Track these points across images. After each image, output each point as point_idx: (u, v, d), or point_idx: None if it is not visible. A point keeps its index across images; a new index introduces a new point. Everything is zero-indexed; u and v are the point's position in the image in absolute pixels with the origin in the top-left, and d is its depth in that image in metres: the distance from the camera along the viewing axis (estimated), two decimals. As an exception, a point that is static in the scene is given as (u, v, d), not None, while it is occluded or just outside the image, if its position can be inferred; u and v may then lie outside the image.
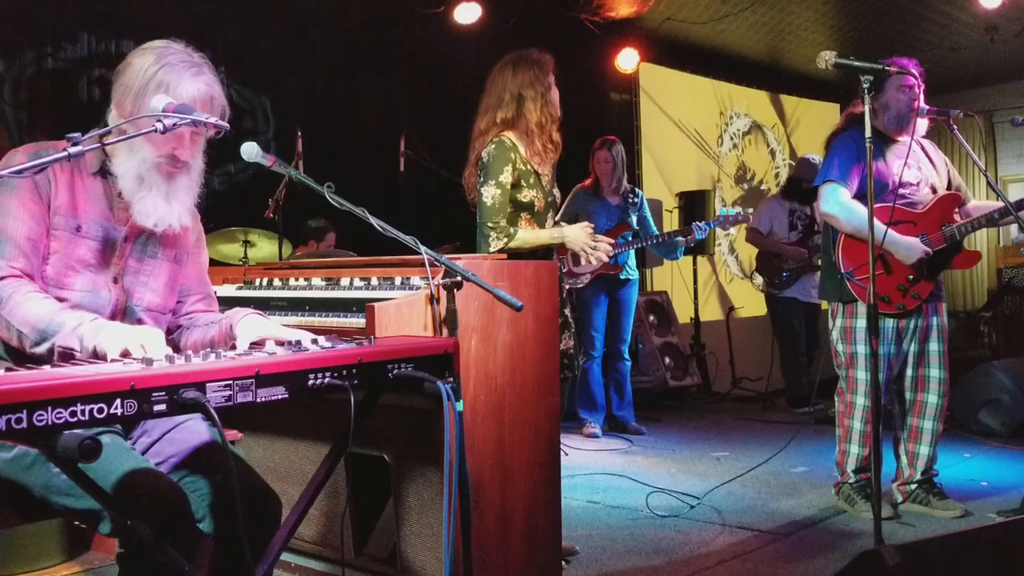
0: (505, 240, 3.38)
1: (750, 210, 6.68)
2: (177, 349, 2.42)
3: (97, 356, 1.96)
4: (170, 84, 2.16)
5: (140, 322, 2.31)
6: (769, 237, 6.95)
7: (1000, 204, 3.95)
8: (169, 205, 2.22)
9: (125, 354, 1.92)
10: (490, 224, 3.40)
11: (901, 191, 3.92)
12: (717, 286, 9.27)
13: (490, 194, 3.41)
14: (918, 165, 4.08)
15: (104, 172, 2.22)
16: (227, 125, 2.08)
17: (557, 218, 3.79)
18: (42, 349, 2.03)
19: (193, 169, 2.27)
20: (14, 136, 4.79)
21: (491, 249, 3.38)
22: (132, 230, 2.27)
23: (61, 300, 2.16)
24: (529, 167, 3.47)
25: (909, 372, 4.12)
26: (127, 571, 2.05)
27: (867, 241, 3.56)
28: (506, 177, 3.41)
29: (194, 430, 2.27)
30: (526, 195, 3.45)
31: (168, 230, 2.25)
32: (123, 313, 2.28)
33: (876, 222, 3.29)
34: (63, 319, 2.03)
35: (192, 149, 2.24)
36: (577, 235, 3.50)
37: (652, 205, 7.30)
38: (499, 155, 3.42)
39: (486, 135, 3.53)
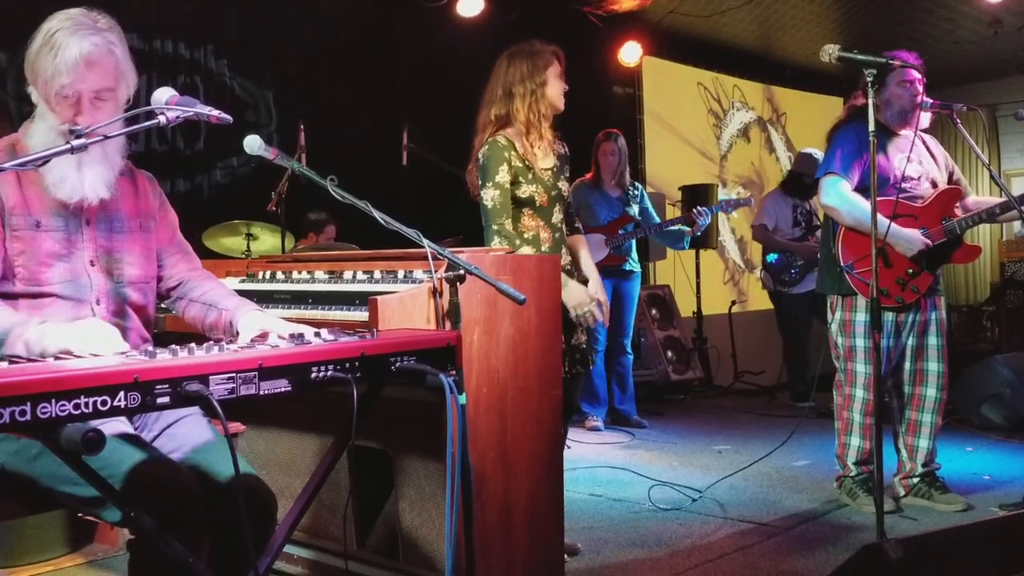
0: (506, 248, 3.38)
1: (750, 194, 6.67)
2: (178, 318, 2.45)
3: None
4: (60, 45, 2.13)
5: (128, 299, 2.31)
6: (775, 232, 6.93)
7: (1000, 199, 3.96)
8: (80, 175, 2.18)
9: (67, 353, 1.91)
10: (495, 227, 3.39)
11: (902, 185, 3.92)
12: (723, 279, 9.25)
13: (489, 196, 3.40)
14: (919, 159, 4.08)
15: (43, 163, 2.19)
16: (230, 118, 2.07)
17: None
18: None
19: (108, 141, 2.19)
20: (17, 128, 4.78)
21: None
22: (91, 211, 2.27)
23: (43, 296, 2.16)
24: (526, 163, 3.45)
25: (907, 366, 4.12)
26: (137, 558, 2.06)
27: (867, 234, 3.58)
28: (502, 177, 3.39)
29: (194, 425, 2.28)
30: (525, 191, 3.43)
31: (84, 201, 2.21)
32: (108, 294, 2.28)
33: (878, 216, 3.29)
34: (9, 325, 2.01)
35: (94, 116, 2.17)
36: (577, 295, 3.36)
37: (655, 199, 7.28)
38: (492, 156, 3.40)
39: (483, 132, 3.51)
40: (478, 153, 3.47)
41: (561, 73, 3.53)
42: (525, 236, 3.44)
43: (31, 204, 2.20)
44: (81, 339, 1.95)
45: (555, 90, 3.50)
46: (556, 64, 3.51)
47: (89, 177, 2.20)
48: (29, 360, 1.88)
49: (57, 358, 1.90)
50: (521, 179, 3.43)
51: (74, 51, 2.12)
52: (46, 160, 1.94)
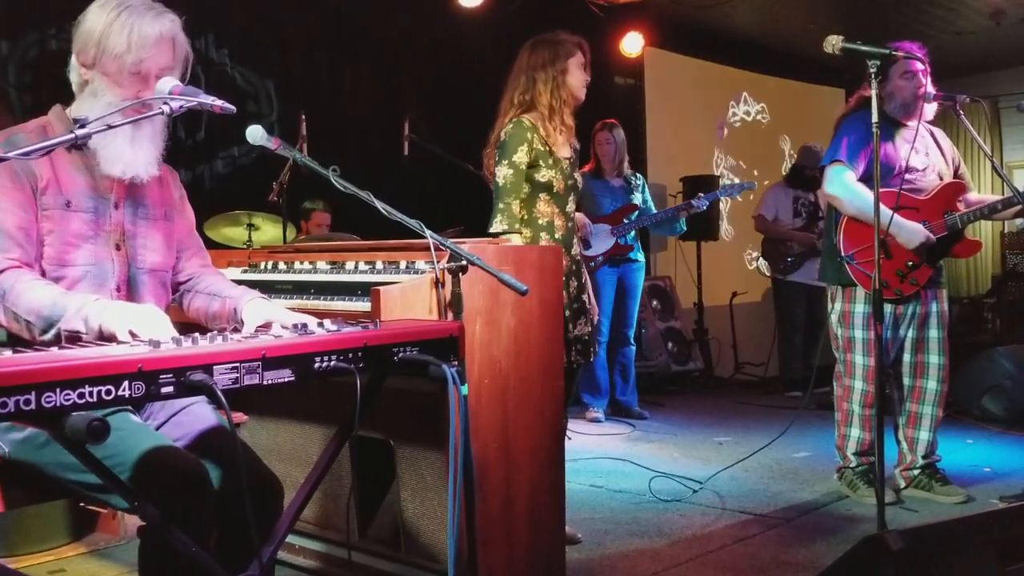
0: (506, 228, 3.38)
1: (753, 184, 6.71)
2: (181, 311, 2.47)
3: (103, 336, 1.97)
4: (133, 25, 2.18)
5: (147, 287, 2.32)
6: (775, 224, 7.04)
7: (1001, 196, 3.97)
8: (134, 151, 2.21)
9: (132, 334, 1.93)
10: (501, 205, 3.40)
11: (907, 176, 3.91)
12: (723, 270, 9.23)
13: (502, 174, 3.41)
14: (926, 151, 4.07)
15: (77, 144, 2.20)
16: (233, 108, 2.07)
17: None
18: (50, 335, 2.03)
19: (156, 119, 2.23)
20: (18, 118, 4.78)
21: (492, 229, 3.39)
22: (120, 195, 2.29)
23: (66, 278, 2.17)
24: (547, 148, 3.46)
25: (907, 358, 4.12)
26: (148, 543, 2.06)
27: (869, 224, 3.58)
28: (520, 157, 3.40)
29: (199, 414, 2.28)
30: (544, 175, 3.44)
31: (136, 179, 2.24)
32: (129, 280, 2.29)
33: (881, 207, 3.29)
34: (66, 302, 2.03)
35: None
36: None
37: (656, 189, 7.29)
38: (515, 135, 3.42)
39: (505, 116, 3.53)
40: (500, 132, 3.47)
41: (584, 64, 3.57)
42: (540, 222, 3.46)
43: (63, 184, 2.21)
44: (142, 321, 1.97)
45: (576, 80, 3.53)
46: (579, 55, 3.55)
47: (143, 155, 2.24)
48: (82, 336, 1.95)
49: (110, 337, 1.94)
50: (541, 163, 3.44)
51: (153, 29, 2.20)
52: (51, 149, 1.94)
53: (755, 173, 9.62)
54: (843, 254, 3.97)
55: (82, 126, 1.90)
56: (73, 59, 2.26)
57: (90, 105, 2.20)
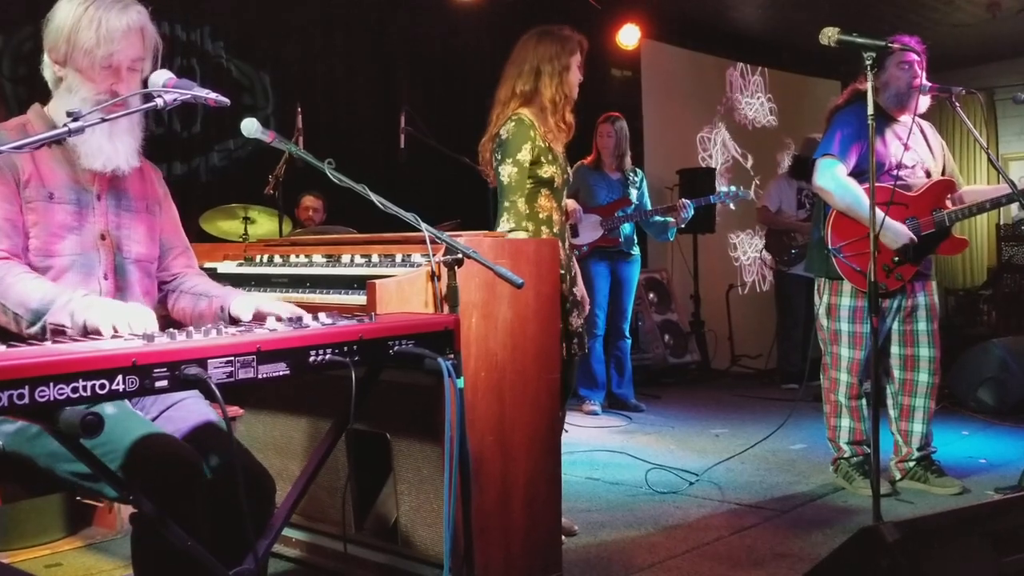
0: (513, 226, 3.38)
1: (750, 191, 6.68)
2: (166, 311, 2.47)
3: (87, 332, 1.97)
4: (101, 19, 2.19)
5: (134, 277, 2.33)
6: (779, 215, 7.02)
7: (991, 195, 3.97)
8: (113, 144, 2.24)
9: (116, 331, 1.93)
10: (507, 204, 3.39)
11: (897, 172, 3.91)
12: (719, 262, 9.25)
13: (507, 172, 3.39)
14: (915, 148, 4.07)
15: (39, 147, 2.19)
16: (227, 101, 2.07)
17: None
18: (36, 329, 2.04)
19: (132, 112, 2.25)
20: (13, 111, 4.76)
21: (500, 227, 3.38)
22: (102, 186, 2.30)
23: (52, 268, 2.18)
24: (546, 144, 3.45)
25: (897, 350, 4.13)
26: (140, 531, 2.06)
27: (858, 219, 3.55)
28: (524, 155, 3.39)
29: (192, 408, 2.28)
30: (546, 171, 3.44)
31: (117, 171, 2.26)
32: (116, 270, 2.30)
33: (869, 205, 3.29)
34: (54, 296, 2.04)
35: (131, 85, 2.24)
36: None
37: (652, 181, 7.28)
38: (518, 133, 3.40)
39: (506, 106, 3.51)
40: (499, 128, 3.46)
41: (581, 64, 3.56)
42: (540, 217, 3.45)
43: (45, 177, 2.22)
44: (125, 317, 1.97)
45: (575, 77, 3.53)
46: (578, 54, 3.56)
47: (122, 148, 2.26)
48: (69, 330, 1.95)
49: (94, 333, 1.94)
50: (543, 159, 3.43)
51: (121, 22, 2.20)
52: (41, 144, 1.93)
53: (737, 150, 9.62)
54: (830, 247, 3.97)
55: (75, 119, 1.90)
56: (45, 56, 2.27)
57: (66, 101, 2.22)
